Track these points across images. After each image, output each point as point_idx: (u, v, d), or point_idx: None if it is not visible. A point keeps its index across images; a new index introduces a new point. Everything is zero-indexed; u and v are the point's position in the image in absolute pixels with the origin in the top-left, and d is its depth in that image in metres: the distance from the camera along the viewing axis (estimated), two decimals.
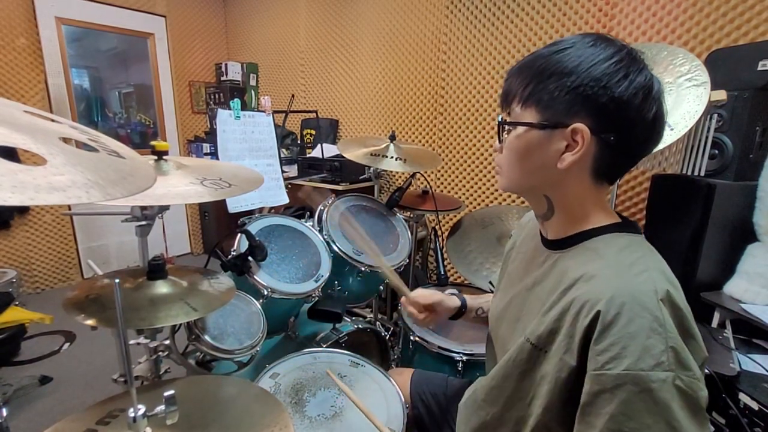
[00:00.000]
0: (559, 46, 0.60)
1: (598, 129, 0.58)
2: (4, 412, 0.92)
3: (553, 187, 0.64)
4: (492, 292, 1.03)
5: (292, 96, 2.81)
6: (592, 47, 0.58)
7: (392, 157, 1.74)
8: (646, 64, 0.59)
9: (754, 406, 1.02)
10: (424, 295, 0.99)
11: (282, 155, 2.33)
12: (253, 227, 1.35)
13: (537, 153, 0.62)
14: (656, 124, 0.59)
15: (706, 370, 1.08)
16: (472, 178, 2.49)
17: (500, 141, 0.68)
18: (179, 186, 0.92)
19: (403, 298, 1.01)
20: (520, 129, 0.63)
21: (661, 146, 1.18)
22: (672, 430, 0.48)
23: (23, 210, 2.89)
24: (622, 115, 0.57)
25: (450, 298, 1.01)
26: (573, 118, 0.58)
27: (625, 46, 0.59)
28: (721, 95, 1.30)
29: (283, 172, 1.76)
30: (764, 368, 1.12)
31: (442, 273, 1.67)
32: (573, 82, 0.57)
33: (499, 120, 0.67)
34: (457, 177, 2.55)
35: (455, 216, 2.46)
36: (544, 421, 0.60)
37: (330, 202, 1.62)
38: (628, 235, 0.62)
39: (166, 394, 0.60)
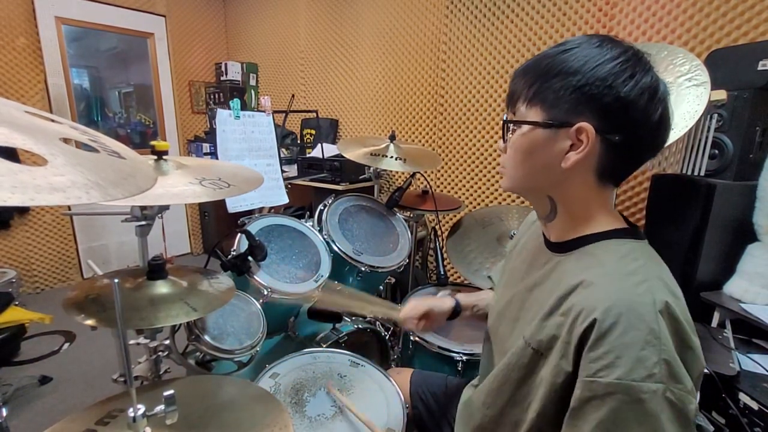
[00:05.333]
0: (566, 46, 0.60)
1: (602, 129, 0.57)
2: (4, 412, 0.92)
3: (557, 187, 0.64)
4: (490, 287, 1.04)
5: (292, 96, 2.81)
6: (598, 48, 0.58)
7: (392, 157, 1.74)
8: (652, 66, 0.59)
9: (754, 406, 1.02)
10: (414, 307, 1.00)
11: (282, 155, 2.33)
12: (253, 227, 1.34)
13: (541, 152, 0.62)
14: (661, 125, 0.59)
15: (706, 370, 1.08)
16: (472, 178, 2.49)
17: (504, 140, 0.67)
18: (178, 186, 0.92)
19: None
20: (525, 128, 0.63)
21: None
22: None
23: (23, 210, 2.89)
24: (627, 115, 0.56)
25: (442, 301, 1.01)
26: (578, 118, 0.58)
27: (631, 47, 0.58)
28: (721, 95, 1.30)
29: (283, 172, 1.75)
30: (764, 368, 1.12)
31: (442, 273, 1.67)
32: (578, 82, 0.57)
33: (504, 119, 0.67)
34: (457, 177, 2.55)
35: (455, 216, 2.46)
36: (537, 425, 0.61)
37: (330, 201, 1.62)
38: (630, 241, 0.61)
39: (165, 393, 0.60)
